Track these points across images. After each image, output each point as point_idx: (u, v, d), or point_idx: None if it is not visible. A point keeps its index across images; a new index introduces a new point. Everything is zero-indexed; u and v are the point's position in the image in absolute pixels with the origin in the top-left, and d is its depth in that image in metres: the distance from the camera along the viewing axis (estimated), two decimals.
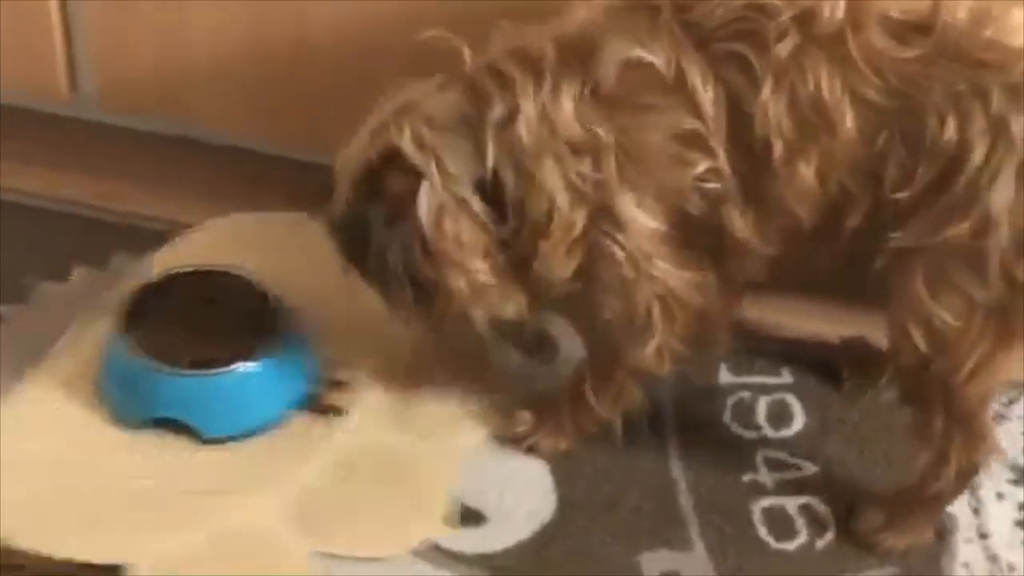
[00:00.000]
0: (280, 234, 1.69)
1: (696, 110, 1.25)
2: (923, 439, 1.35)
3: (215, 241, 1.69)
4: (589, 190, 1.28)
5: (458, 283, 1.32)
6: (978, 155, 1.20)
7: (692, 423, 1.53)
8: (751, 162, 1.26)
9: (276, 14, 1.64)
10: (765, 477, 1.48)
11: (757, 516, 1.44)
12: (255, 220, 1.72)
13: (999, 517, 1.44)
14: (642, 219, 1.29)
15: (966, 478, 1.37)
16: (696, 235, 1.31)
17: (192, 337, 1.50)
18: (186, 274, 1.57)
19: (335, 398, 1.51)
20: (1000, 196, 1.20)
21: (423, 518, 1.42)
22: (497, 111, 1.27)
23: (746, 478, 1.48)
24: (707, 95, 1.24)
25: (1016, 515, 1.45)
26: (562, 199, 1.28)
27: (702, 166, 1.26)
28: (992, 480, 1.47)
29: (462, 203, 1.29)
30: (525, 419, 1.48)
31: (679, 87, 1.25)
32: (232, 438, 1.47)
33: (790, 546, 1.42)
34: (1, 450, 1.43)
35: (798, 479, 1.48)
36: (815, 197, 1.27)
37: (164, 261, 1.63)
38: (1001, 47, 1.20)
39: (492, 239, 1.31)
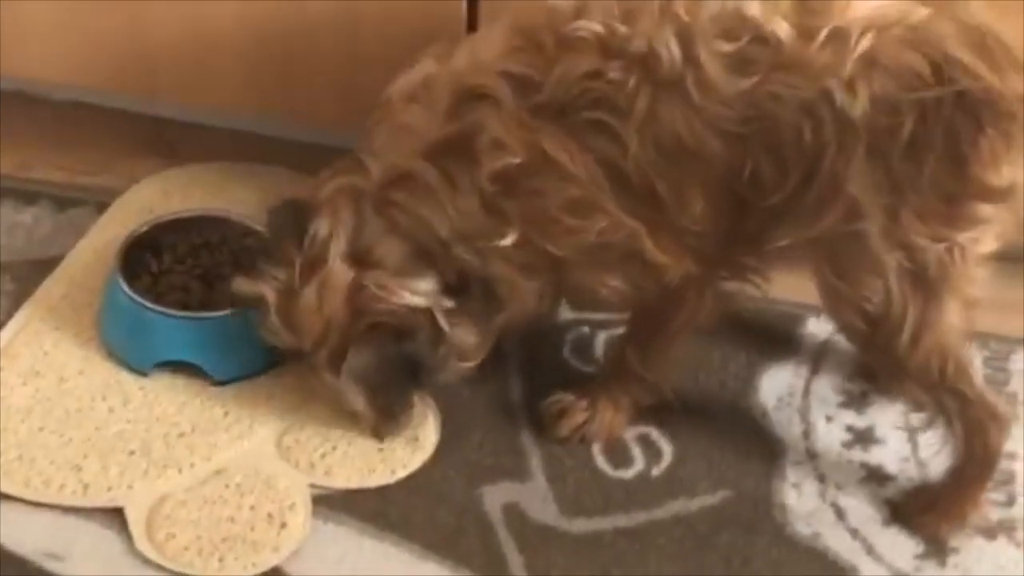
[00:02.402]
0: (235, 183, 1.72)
1: (572, 180, 1.30)
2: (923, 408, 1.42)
3: (172, 193, 1.71)
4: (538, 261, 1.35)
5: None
6: (832, 149, 1.25)
7: (534, 358, 1.56)
8: (646, 204, 1.31)
9: None
10: None
11: (595, 446, 1.47)
12: (202, 170, 1.75)
13: (827, 439, 1.49)
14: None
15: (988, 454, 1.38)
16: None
17: (196, 281, 1.55)
18: (178, 221, 1.59)
19: None
20: (858, 178, 1.25)
21: (397, 451, 1.46)
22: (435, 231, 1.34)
23: None
24: (577, 165, 1.30)
25: (844, 436, 1.50)
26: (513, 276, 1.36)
27: (598, 225, 1.31)
28: (822, 404, 1.53)
29: (452, 312, 1.38)
30: (582, 407, 1.48)
31: (549, 167, 1.30)
32: (238, 379, 1.50)
33: (627, 474, 1.46)
34: None
35: None
36: (707, 215, 1.32)
37: (119, 220, 1.65)
38: (833, 44, 1.23)
39: (479, 316, 1.39)
